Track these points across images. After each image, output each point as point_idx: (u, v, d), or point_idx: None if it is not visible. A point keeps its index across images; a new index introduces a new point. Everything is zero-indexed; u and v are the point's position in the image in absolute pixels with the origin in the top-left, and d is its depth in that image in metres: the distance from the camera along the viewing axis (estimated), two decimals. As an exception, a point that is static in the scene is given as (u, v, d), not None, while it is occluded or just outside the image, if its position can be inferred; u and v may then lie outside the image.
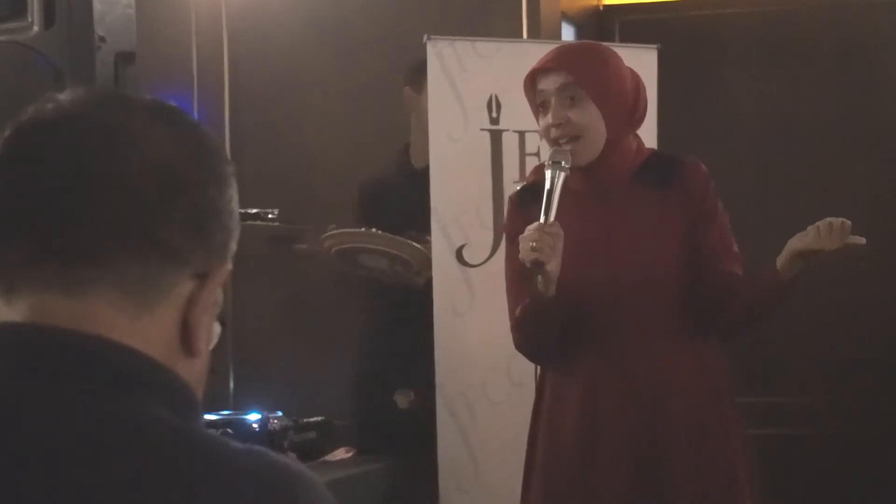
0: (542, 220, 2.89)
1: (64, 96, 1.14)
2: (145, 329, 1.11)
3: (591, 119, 3.01)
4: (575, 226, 2.98)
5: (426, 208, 4.08)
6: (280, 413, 3.91)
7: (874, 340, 5.26)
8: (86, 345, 1.08)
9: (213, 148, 1.17)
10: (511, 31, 4.90)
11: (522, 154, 4.12)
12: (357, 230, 4.09)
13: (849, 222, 2.91)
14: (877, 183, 5.30)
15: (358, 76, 4.42)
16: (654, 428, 2.99)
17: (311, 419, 3.98)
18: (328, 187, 4.95)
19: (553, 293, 2.93)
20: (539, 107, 3.08)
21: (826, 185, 5.30)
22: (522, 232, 2.96)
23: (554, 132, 3.02)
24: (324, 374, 4.43)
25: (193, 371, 1.15)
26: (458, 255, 4.04)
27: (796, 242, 2.93)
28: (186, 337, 1.13)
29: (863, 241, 2.93)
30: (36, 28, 3.14)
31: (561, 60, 3.05)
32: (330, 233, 4.13)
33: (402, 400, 4.13)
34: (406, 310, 4.13)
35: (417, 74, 4.25)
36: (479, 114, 4.09)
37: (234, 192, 1.17)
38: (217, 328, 1.18)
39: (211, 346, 1.17)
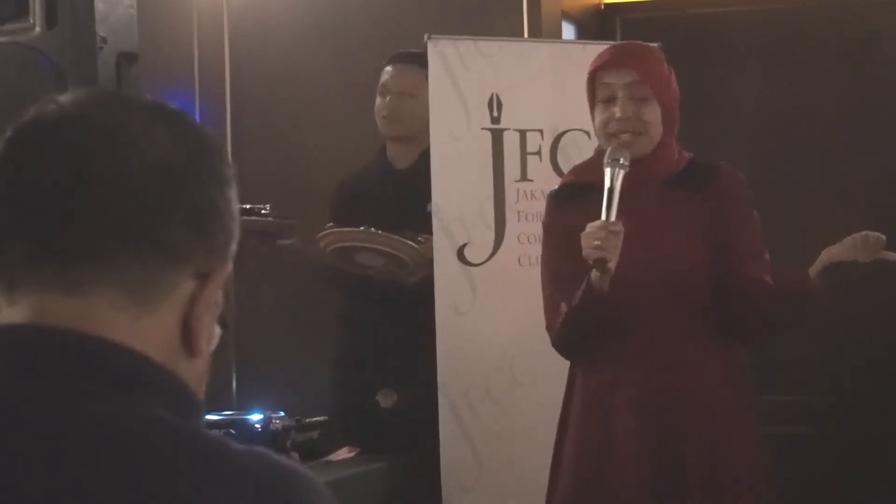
0: (603, 217, 2.93)
1: (64, 97, 1.15)
2: (146, 329, 1.11)
3: (654, 117, 3.10)
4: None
5: (410, 208, 4.10)
6: (282, 413, 3.91)
7: (875, 340, 5.25)
8: (86, 345, 1.08)
9: (213, 149, 1.17)
10: (511, 30, 4.90)
11: (524, 153, 4.12)
12: (356, 229, 4.09)
13: (883, 237, 2.97)
14: (878, 182, 5.30)
15: (359, 76, 4.42)
16: (674, 423, 3.03)
17: (314, 419, 3.98)
18: (330, 187, 4.95)
19: (606, 289, 2.97)
20: (603, 101, 3.12)
21: (827, 184, 5.30)
22: (562, 231, 3.05)
23: (615, 126, 3.08)
24: (326, 373, 4.43)
25: (194, 371, 1.15)
26: (460, 254, 4.04)
27: (831, 253, 3.00)
28: (187, 337, 1.14)
29: (895, 257, 2.99)
30: (38, 29, 3.15)
31: (629, 58, 3.14)
32: (328, 231, 4.13)
33: (386, 400, 4.13)
34: (404, 309, 4.13)
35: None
36: (480, 113, 4.09)
37: (234, 194, 1.17)
38: (217, 330, 1.18)
39: (212, 348, 1.17)
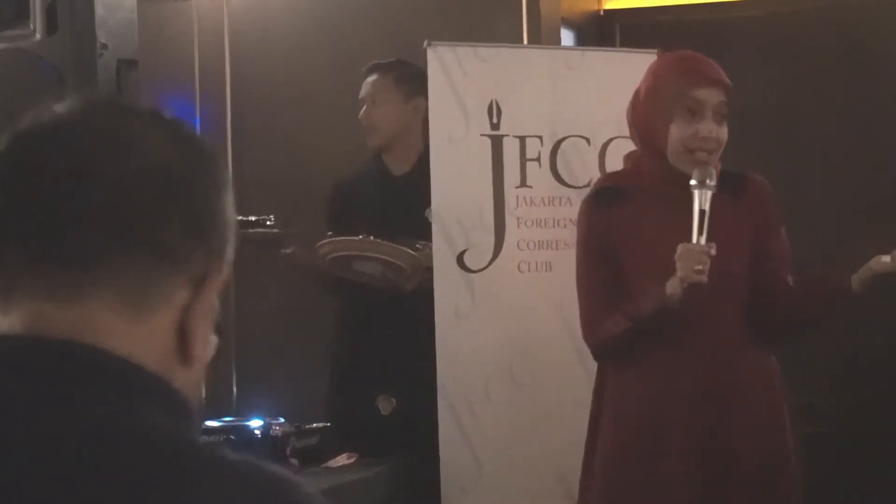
0: (694, 239, 3.00)
1: (61, 104, 1.15)
2: (143, 334, 1.11)
3: (725, 137, 3.19)
4: (654, 224, 3.12)
5: (408, 214, 4.11)
6: (282, 419, 3.91)
7: (878, 339, 5.25)
8: (81, 355, 1.08)
9: (210, 152, 1.18)
10: (511, 36, 4.90)
11: (523, 159, 4.12)
12: (354, 238, 4.09)
13: None
14: (879, 182, 5.30)
15: (359, 82, 4.42)
16: (721, 421, 3.12)
17: (314, 425, 3.98)
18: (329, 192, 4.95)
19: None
20: (688, 115, 3.15)
21: (827, 186, 5.31)
22: (606, 234, 3.15)
23: (694, 143, 3.13)
24: (326, 379, 4.43)
25: (190, 378, 1.15)
26: (460, 260, 4.04)
27: (878, 264, 3.05)
28: (183, 343, 1.13)
29: None
30: (38, 35, 3.15)
31: (722, 77, 3.22)
32: (328, 240, 4.14)
33: (385, 406, 4.15)
34: (403, 314, 4.14)
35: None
36: (479, 119, 4.10)
37: (230, 198, 1.17)
38: (213, 338, 1.18)
39: (209, 354, 1.17)
